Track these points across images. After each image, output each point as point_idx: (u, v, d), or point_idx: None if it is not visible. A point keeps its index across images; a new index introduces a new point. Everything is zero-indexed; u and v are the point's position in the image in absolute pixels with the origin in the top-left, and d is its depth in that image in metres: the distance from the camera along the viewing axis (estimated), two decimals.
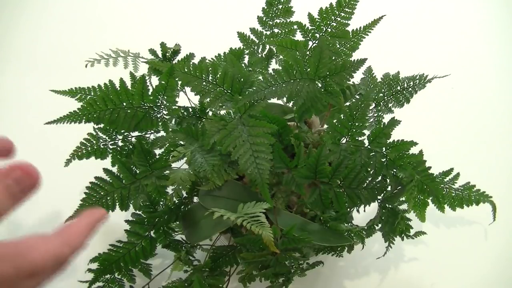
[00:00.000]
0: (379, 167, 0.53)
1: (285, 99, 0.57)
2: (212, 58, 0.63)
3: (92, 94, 0.60)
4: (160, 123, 0.54)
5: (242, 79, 0.50)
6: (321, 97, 0.52)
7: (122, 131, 0.59)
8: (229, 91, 0.51)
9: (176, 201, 0.58)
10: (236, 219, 0.46)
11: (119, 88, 0.51)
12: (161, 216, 0.57)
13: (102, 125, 0.57)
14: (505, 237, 0.75)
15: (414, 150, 0.53)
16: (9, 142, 0.38)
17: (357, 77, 0.56)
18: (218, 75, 0.50)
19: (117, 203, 0.55)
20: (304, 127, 0.60)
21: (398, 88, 0.61)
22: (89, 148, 0.59)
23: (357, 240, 0.57)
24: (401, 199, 0.55)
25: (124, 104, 0.52)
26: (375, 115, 0.62)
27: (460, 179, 0.64)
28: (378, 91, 0.62)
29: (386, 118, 0.57)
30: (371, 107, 0.62)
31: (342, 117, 0.52)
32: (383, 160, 0.53)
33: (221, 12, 1.06)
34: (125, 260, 0.56)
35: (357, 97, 0.62)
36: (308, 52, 0.56)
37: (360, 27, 0.58)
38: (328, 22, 0.55)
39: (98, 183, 0.55)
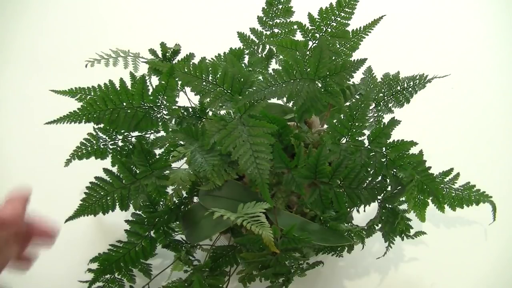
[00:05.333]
0: (379, 167, 0.53)
1: (285, 99, 0.57)
2: (212, 58, 0.63)
3: (92, 94, 0.60)
4: (160, 123, 0.54)
5: (242, 79, 0.50)
6: (321, 97, 0.52)
7: (122, 131, 0.59)
8: (229, 91, 0.51)
9: (176, 201, 0.58)
10: (236, 219, 0.46)
11: (119, 88, 0.51)
12: (161, 216, 0.57)
13: (102, 125, 0.57)
14: (505, 237, 0.75)
15: (414, 150, 0.53)
16: (55, 231, 0.46)
17: (357, 77, 0.56)
18: (218, 75, 0.50)
19: (117, 203, 0.55)
20: (304, 127, 0.60)
21: (398, 88, 0.61)
22: (89, 148, 0.59)
23: (357, 240, 0.57)
24: (401, 199, 0.55)
25: (124, 104, 0.52)
26: (375, 115, 0.62)
27: (460, 179, 0.64)
28: (378, 91, 0.62)
29: (386, 118, 0.57)
30: (371, 107, 0.62)
31: (342, 117, 0.52)
32: (383, 160, 0.53)
33: (221, 12, 1.06)
34: (125, 260, 0.56)
35: (357, 97, 0.62)
36: (308, 52, 0.56)
37: (360, 27, 0.58)
38: (328, 22, 0.55)
39: (98, 183, 0.55)
